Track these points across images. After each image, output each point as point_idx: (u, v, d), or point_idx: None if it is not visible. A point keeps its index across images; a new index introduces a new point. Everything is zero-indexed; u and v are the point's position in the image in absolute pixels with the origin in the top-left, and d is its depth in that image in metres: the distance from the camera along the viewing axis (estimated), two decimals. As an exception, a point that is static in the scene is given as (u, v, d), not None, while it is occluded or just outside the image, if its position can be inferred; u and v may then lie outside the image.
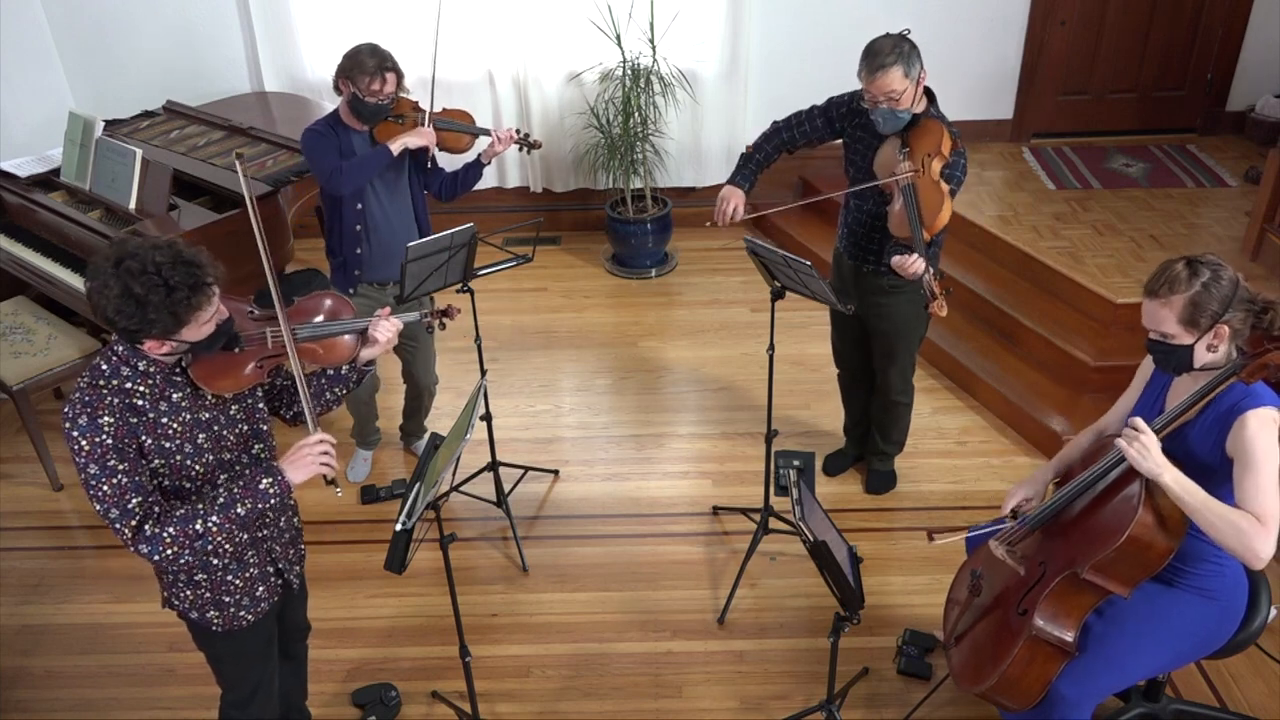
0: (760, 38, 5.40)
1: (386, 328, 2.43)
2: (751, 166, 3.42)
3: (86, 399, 2.04)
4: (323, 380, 2.45)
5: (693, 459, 4.20)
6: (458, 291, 3.50)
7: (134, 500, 2.06)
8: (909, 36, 3.07)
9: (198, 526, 2.09)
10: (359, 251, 3.58)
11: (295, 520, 2.52)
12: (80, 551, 3.87)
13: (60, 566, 3.80)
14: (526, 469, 4.07)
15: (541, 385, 4.69)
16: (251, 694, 2.58)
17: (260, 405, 2.35)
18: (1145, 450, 2.24)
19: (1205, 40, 5.38)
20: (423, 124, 3.55)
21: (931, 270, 2.99)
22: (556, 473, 4.14)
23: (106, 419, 2.04)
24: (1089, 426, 2.79)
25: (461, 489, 3.95)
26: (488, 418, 3.75)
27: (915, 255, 2.97)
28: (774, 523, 3.66)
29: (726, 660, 3.32)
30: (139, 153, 4.08)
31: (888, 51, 3.01)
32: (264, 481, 2.15)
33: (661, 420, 4.44)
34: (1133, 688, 2.87)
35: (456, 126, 3.65)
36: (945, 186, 3.08)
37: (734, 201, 3.31)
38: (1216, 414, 2.31)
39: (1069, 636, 2.45)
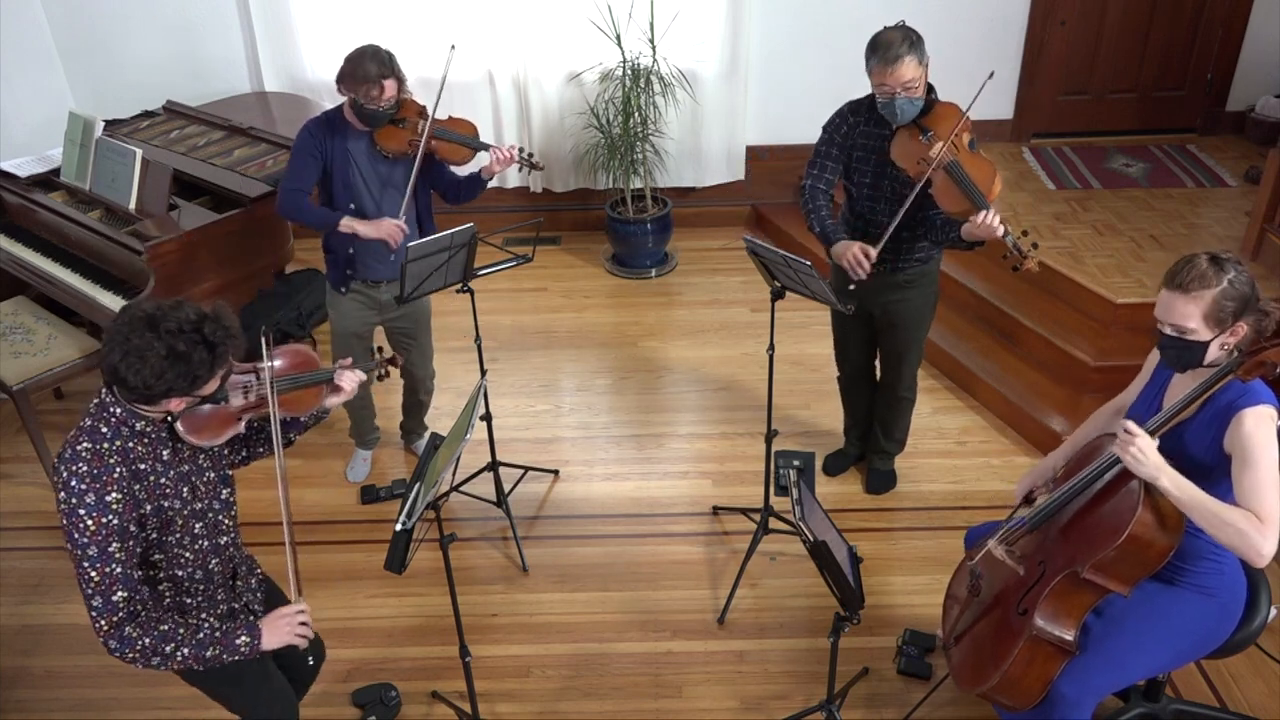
0: (760, 38, 5.40)
1: (351, 378, 2.53)
2: (829, 222, 3.36)
3: (94, 471, 2.04)
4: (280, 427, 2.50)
5: (693, 459, 4.20)
6: (458, 291, 3.50)
7: (120, 594, 2.08)
8: (909, 26, 3.10)
9: (168, 649, 2.13)
10: (351, 251, 3.58)
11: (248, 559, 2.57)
12: (80, 551, 3.87)
13: (60, 566, 3.80)
14: (526, 469, 4.07)
15: (541, 385, 4.69)
16: (266, 712, 2.59)
17: (225, 451, 2.41)
18: (1142, 454, 2.24)
19: (1205, 40, 5.38)
20: (422, 132, 3.50)
21: (1009, 228, 2.99)
22: (556, 473, 4.14)
23: (114, 495, 2.05)
24: (1106, 404, 2.78)
25: (461, 489, 3.95)
26: (488, 418, 3.75)
27: (984, 212, 2.96)
28: (774, 523, 3.66)
29: (726, 660, 3.32)
30: (139, 153, 4.08)
31: (899, 42, 3.04)
32: (241, 639, 2.21)
33: (661, 420, 4.44)
34: (1133, 688, 2.87)
35: (455, 138, 3.59)
36: (984, 154, 3.12)
37: (855, 248, 3.20)
38: (1213, 412, 2.31)
39: (1069, 636, 2.45)
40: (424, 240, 3.21)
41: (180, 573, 2.28)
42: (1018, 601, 2.52)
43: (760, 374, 4.12)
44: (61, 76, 5.54)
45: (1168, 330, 2.33)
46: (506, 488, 3.90)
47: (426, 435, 4.17)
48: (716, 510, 3.92)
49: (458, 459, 2.64)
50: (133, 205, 4.09)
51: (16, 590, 3.71)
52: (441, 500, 3.70)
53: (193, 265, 4.00)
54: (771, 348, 3.40)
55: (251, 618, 2.49)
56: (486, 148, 3.62)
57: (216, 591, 2.40)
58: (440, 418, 4.33)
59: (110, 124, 4.83)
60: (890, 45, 3.05)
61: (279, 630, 2.25)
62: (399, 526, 2.37)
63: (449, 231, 3.24)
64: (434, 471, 2.49)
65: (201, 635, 2.17)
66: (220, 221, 4.09)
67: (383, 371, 2.76)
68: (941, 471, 4.06)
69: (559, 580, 3.65)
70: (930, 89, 3.24)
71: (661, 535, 3.83)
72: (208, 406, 2.19)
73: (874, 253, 3.18)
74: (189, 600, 2.33)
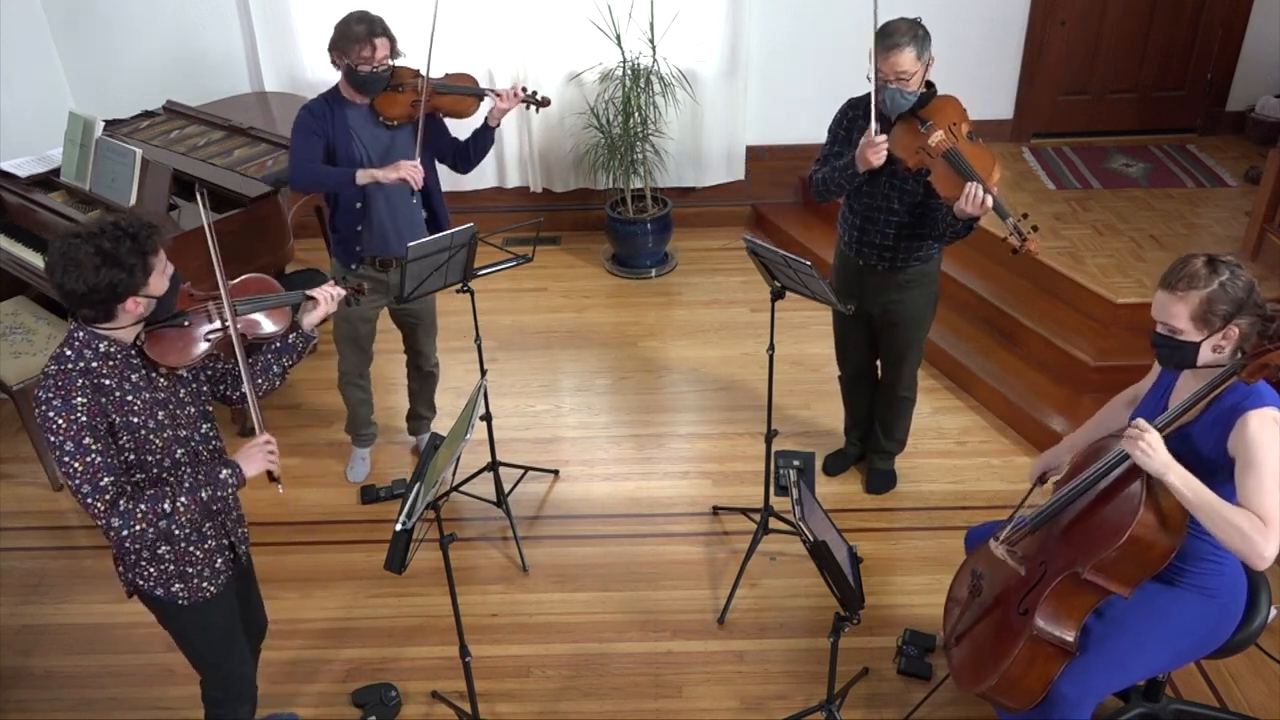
0: (760, 38, 5.40)
1: (327, 290, 2.64)
2: (839, 162, 3.31)
3: (59, 383, 2.17)
4: (269, 355, 2.60)
5: (693, 459, 4.20)
6: (458, 291, 3.50)
7: (106, 479, 2.19)
8: (922, 23, 3.11)
9: (165, 506, 2.23)
10: (359, 228, 3.57)
11: (239, 505, 2.67)
12: (80, 551, 3.87)
13: (60, 566, 3.80)
14: (526, 469, 4.07)
15: (541, 385, 4.69)
16: (225, 677, 2.68)
17: (204, 389, 2.51)
18: (1150, 449, 2.24)
19: (1205, 40, 5.38)
20: (421, 90, 3.47)
21: (1004, 205, 2.99)
22: (556, 473, 4.14)
23: (79, 400, 2.17)
24: (1123, 392, 2.78)
25: (461, 489, 3.95)
26: (488, 418, 3.75)
27: (973, 184, 2.96)
28: (774, 523, 3.66)
29: (726, 660, 3.32)
30: (139, 153, 4.08)
31: (903, 32, 3.06)
32: (224, 472, 2.33)
33: (661, 420, 4.44)
34: (1133, 688, 2.87)
35: (458, 89, 3.57)
36: (983, 143, 3.13)
37: (864, 143, 3.15)
38: (1218, 413, 2.31)
39: (1070, 637, 2.45)
40: (424, 240, 3.21)
41: None
42: (1018, 602, 2.51)
43: (760, 374, 4.12)
44: (61, 76, 5.54)
45: (1159, 329, 2.34)
46: (506, 488, 3.90)
47: (433, 425, 4.18)
48: (716, 510, 3.92)
49: (458, 459, 2.64)
50: (133, 205, 4.08)
51: (16, 590, 3.71)
52: (441, 500, 3.69)
53: (192, 265, 3.99)
54: (771, 348, 3.40)
55: (230, 554, 2.58)
56: (492, 92, 3.58)
57: (201, 522, 2.45)
58: (440, 418, 4.33)
59: (110, 124, 4.82)
60: (893, 34, 3.07)
61: (254, 457, 2.36)
62: (399, 526, 2.37)
63: (449, 231, 3.25)
64: (434, 471, 2.49)
65: (188, 484, 2.28)
66: (220, 221, 4.09)
67: (351, 293, 2.78)
68: (941, 471, 4.06)
69: (559, 580, 3.65)
70: (930, 86, 3.24)
71: (661, 535, 3.83)
72: (171, 327, 2.33)
73: (879, 138, 3.12)
74: (177, 531, 2.38)
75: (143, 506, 2.20)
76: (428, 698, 3.23)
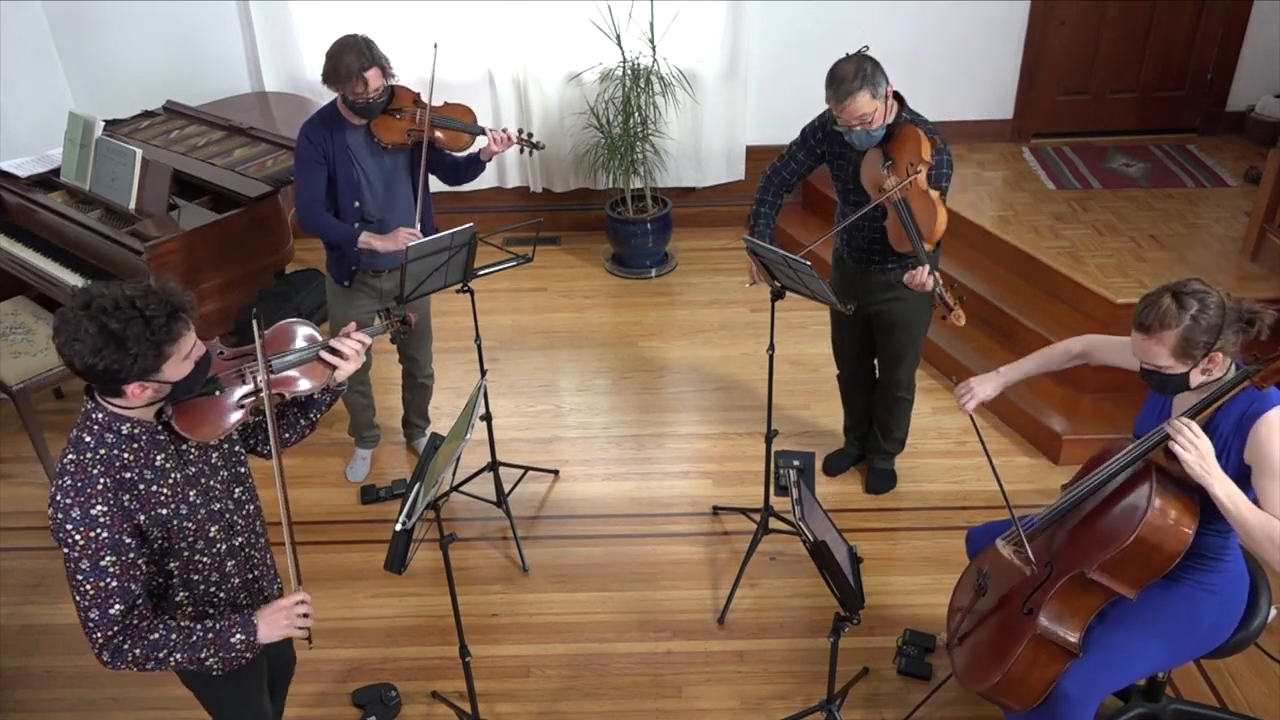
0: (760, 38, 5.40)
1: (352, 343, 2.35)
2: (764, 222, 3.40)
3: (77, 485, 1.97)
4: (295, 410, 2.41)
5: (693, 459, 4.20)
6: (458, 291, 3.50)
7: (117, 608, 2.01)
8: (869, 54, 3.07)
9: (161, 655, 2.06)
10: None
11: (269, 555, 2.47)
12: (80, 551, 3.87)
13: (60, 566, 3.74)
14: (526, 469, 4.07)
15: (541, 385, 4.69)
16: None
17: (238, 448, 2.31)
18: (1202, 458, 2.23)
19: (1205, 40, 5.37)
20: (420, 120, 3.51)
21: (940, 281, 2.95)
22: (556, 473, 4.14)
23: (99, 508, 1.97)
24: (1076, 338, 2.78)
25: (461, 489, 3.95)
26: (488, 418, 3.75)
27: (921, 268, 2.95)
28: (774, 523, 3.66)
29: (726, 660, 3.32)
30: (139, 153, 4.08)
31: (851, 76, 2.99)
32: (236, 637, 2.11)
33: (661, 420, 4.44)
34: (1133, 687, 2.88)
35: (454, 124, 3.61)
36: (934, 194, 3.06)
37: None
38: (1229, 425, 2.30)
39: (1073, 638, 2.45)
40: (424, 240, 3.21)
41: (195, 576, 2.20)
42: (1023, 601, 2.52)
43: (760, 374, 4.11)
44: (61, 76, 5.54)
45: (1144, 365, 2.35)
46: (506, 488, 3.90)
47: (428, 432, 4.18)
48: (716, 510, 3.92)
49: (458, 459, 2.64)
50: (133, 205, 4.09)
51: (16, 590, 3.71)
52: (441, 500, 3.70)
53: (193, 265, 4.00)
54: (771, 348, 3.40)
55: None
56: (485, 131, 3.63)
57: (238, 595, 2.31)
58: (440, 418, 4.33)
59: (110, 124, 4.82)
60: (843, 80, 3.00)
61: (278, 623, 2.13)
62: (399, 526, 2.37)
63: (449, 231, 3.24)
64: (434, 471, 2.49)
65: (194, 639, 2.08)
66: (220, 221, 4.09)
67: (397, 330, 2.60)
68: (941, 471, 4.06)
69: (559, 580, 3.65)
70: (900, 102, 3.19)
71: (661, 535, 3.83)
72: (202, 397, 2.09)
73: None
74: (210, 610, 2.25)
75: (136, 652, 2.03)
76: (428, 698, 3.23)
